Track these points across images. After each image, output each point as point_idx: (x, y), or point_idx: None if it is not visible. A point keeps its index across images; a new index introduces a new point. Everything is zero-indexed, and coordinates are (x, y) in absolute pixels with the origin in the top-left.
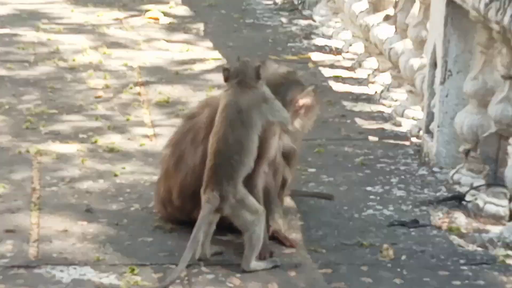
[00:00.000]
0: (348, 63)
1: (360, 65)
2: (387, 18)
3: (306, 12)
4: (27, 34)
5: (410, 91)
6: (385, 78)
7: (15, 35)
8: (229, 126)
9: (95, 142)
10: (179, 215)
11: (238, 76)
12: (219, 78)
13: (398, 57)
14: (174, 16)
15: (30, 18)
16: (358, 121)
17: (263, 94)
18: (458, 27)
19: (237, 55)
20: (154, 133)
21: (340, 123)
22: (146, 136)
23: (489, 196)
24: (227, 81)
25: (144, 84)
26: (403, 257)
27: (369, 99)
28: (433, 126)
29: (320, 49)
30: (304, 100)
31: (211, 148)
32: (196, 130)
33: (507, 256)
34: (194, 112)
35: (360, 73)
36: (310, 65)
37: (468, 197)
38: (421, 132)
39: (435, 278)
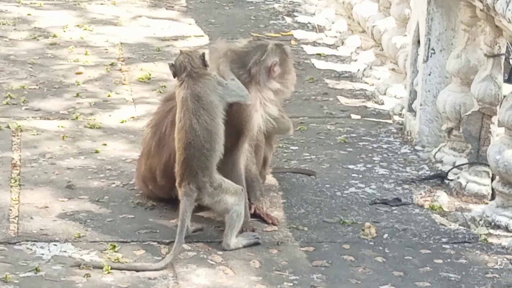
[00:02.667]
0: (331, 41)
1: (342, 43)
2: None
3: None
4: (8, 9)
5: (393, 69)
6: (368, 56)
7: None
8: (193, 117)
9: (76, 118)
10: (160, 193)
11: (185, 70)
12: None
13: (381, 35)
14: None
15: None
16: (341, 99)
17: (215, 78)
18: (442, 5)
19: (217, 34)
20: (136, 110)
21: (322, 101)
22: (128, 113)
23: (471, 174)
24: (176, 76)
25: (126, 60)
26: (385, 236)
27: (351, 77)
28: (416, 105)
29: (303, 26)
30: (273, 61)
31: (180, 143)
32: (175, 112)
33: (489, 234)
34: (172, 94)
35: (342, 51)
36: (293, 42)
37: (450, 176)
38: (403, 111)
39: (417, 256)
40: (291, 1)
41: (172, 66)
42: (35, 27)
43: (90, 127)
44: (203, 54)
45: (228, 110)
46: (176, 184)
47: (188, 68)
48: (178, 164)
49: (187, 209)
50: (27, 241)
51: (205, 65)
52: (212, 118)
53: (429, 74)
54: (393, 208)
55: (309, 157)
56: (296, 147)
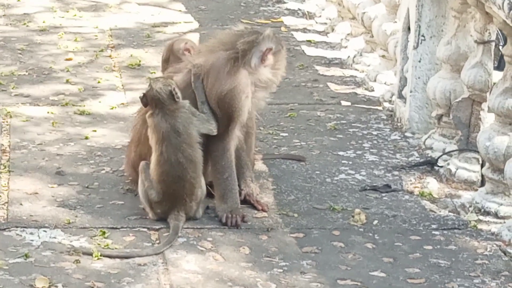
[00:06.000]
0: (321, 28)
1: (332, 30)
2: None
3: None
4: None
5: (383, 56)
6: (358, 42)
7: None
8: (178, 151)
9: (66, 104)
10: None
11: (157, 104)
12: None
13: (371, 22)
14: None
15: None
16: (331, 85)
17: (189, 109)
18: None
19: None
20: (125, 96)
21: (312, 88)
22: (117, 99)
23: (461, 161)
24: (147, 106)
25: (116, 47)
26: (375, 222)
27: (341, 63)
28: (406, 91)
29: (293, 13)
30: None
31: (165, 176)
32: None
33: (479, 221)
34: None
35: (332, 38)
36: (283, 29)
37: (440, 162)
38: (393, 97)
39: (407, 242)
40: None
41: (143, 97)
42: (24, 13)
43: (80, 114)
44: (172, 90)
45: (218, 96)
46: (160, 212)
47: (159, 103)
48: (165, 196)
49: (180, 228)
50: (17, 227)
51: (175, 100)
52: (194, 149)
53: (419, 61)
54: (383, 194)
55: (299, 144)
56: (286, 134)
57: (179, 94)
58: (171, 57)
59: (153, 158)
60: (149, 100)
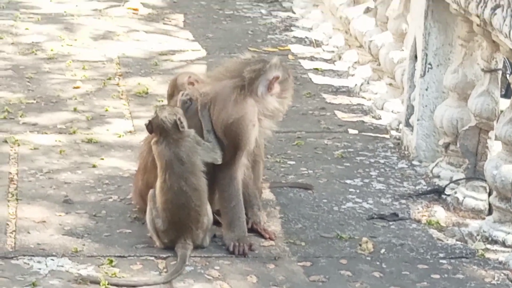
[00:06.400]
0: (328, 56)
1: (340, 58)
2: (367, 10)
3: (286, 4)
4: (5, 24)
5: (390, 84)
6: (365, 70)
7: None
8: (181, 180)
9: (74, 133)
10: None
11: (162, 132)
12: (198, 69)
13: (378, 50)
14: (154, 7)
15: (8, 7)
16: (338, 113)
17: (194, 138)
18: (439, 20)
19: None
20: (133, 124)
21: (319, 116)
22: (125, 127)
23: (468, 190)
24: (152, 133)
25: (123, 75)
26: (382, 251)
27: (349, 91)
28: (413, 119)
29: (300, 41)
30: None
31: (169, 204)
32: None
33: (486, 250)
34: None
35: (340, 66)
36: (290, 57)
37: (447, 191)
38: (400, 125)
39: (414, 271)
40: (288, 16)
41: (149, 124)
42: (32, 41)
43: (87, 142)
44: (177, 120)
45: (225, 124)
46: (167, 241)
47: (164, 133)
48: (170, 224)
49: (187, 256)
50: (24, 255)
51: (179, 130)
52: (198, 178)
53: (426, 89)
54: (390, 223)
55: (306, 172)
56: (293, 162)
57: (184, 124)
58: (175, 92)
59: (157, 185)
60: (154, 127)
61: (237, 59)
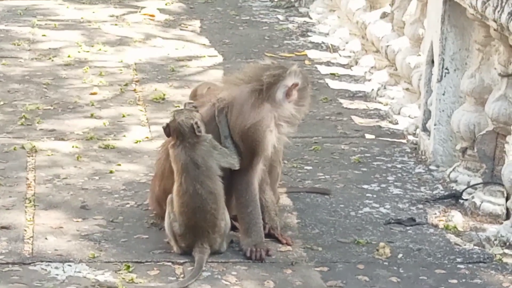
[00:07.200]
0: (345, 61)
1: (356, 63)
2: (384, 15)
3: (302, 10)
4: (22, 30)
5: (407, 89)
6: (382, 75)
7: (10, 31)
8: (196, 183)
9: (91, 139)
10: None
11: (179, 136)
12: (215, 75)
13: (395, 55)
14: (170, 13)
15: (25, 14)
16: (355, 118)
17: (211, 142)
18: (455, 24)
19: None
20: (150, 130)
21: (336, 121)
22: (142, 133)
23: (486, 194)
24: (169, 136)
25: (140, 81)
26: (400, 256)
27: (365, 96)
28: (430, 124)
29: (317, 46)
30: (294, 83)
31: (185, 207)
32: None
33: (504, 254)
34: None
35: (356, 71)
36: (307, 62)
37: (465, 196)
38: (417, 130)
39: (431, 276)
40: (305, 21)
41: (166, 127)
42: (49, 48)
43: (105, 148)
44: (193, 124)
45: (242, 129)
46: (185, 245)
47: (180, 137)
48: (187, 228)
49: (204, 261)
50: (42, 261)
51: (198, 132)
52: (214, 181)
53: (443, 94)
54: (408, 228)
55: (323, 177)
56: (310, 167)
57: (202, 128)
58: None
59: (174, 188)
60: (172, 131)
61: (255, 64)
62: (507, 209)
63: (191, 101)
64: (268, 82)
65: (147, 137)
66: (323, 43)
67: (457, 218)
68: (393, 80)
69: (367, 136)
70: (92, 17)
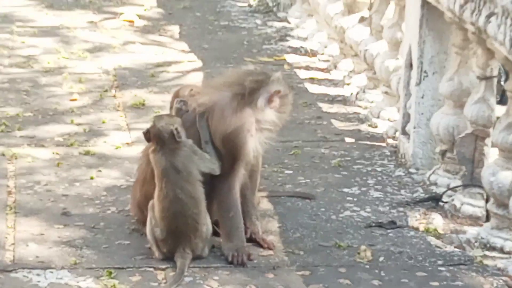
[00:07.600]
0: (324, 65)
1: (335, 67)
2: (362, 19)
3: (281, 14)
4: (1, 37)
5: (386, 93)
6: (361, 79)
7: None
8: (176, 188)
9: (71, 145)
10: None
11: (159, 141)
12: (194, 80)
13: (374, 59)
14: (149, 19)
15: (4, 21)
16: (334, 122)
17: (191, 148)
18: (434, 28)
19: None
20: (130, 136)
21: (316, 125)
22: (122, 139)
23: (465, 197)
24: (150, 141)
25: (120, 87)
26: (381, 259)
27: (345, 100)
28: (409, 127)
29: (296, 51)
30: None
31: (165, 212)
32: None
33: (485, 256)
34: None
35: (335, 75)
36: (286, 67)
37: (445, 198)
38: (397, 133)
39: (413, 279)
40: (283, 26)
41: (147, 132)
42: (29, 55)
43: (85, 154)
44: (173, 130)
45: (223, 134)
46: (166, 251)
47: (161, 143)
48: (169, 233)
49: (186, 266)
50: (23, 268)
51: (176, 140)
52: (194, 186)
53: (422, 97)
54: (389, 231)
55: (303, 181)
56: (291, 171)
57: (182, 134)
58: None
59: (155, 193)
60: (152, 136)
61: (237, 69)
62: (487, 211)
63: (180, 99)
64: (250, 87)
65: (127, 143)
66: (301, 47)
67: (437, 221)
68: (372, 84)
69: (347, 139)
70: (71, 24)
